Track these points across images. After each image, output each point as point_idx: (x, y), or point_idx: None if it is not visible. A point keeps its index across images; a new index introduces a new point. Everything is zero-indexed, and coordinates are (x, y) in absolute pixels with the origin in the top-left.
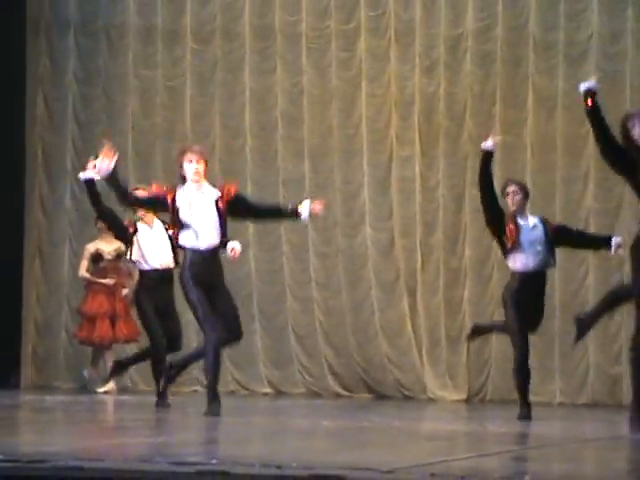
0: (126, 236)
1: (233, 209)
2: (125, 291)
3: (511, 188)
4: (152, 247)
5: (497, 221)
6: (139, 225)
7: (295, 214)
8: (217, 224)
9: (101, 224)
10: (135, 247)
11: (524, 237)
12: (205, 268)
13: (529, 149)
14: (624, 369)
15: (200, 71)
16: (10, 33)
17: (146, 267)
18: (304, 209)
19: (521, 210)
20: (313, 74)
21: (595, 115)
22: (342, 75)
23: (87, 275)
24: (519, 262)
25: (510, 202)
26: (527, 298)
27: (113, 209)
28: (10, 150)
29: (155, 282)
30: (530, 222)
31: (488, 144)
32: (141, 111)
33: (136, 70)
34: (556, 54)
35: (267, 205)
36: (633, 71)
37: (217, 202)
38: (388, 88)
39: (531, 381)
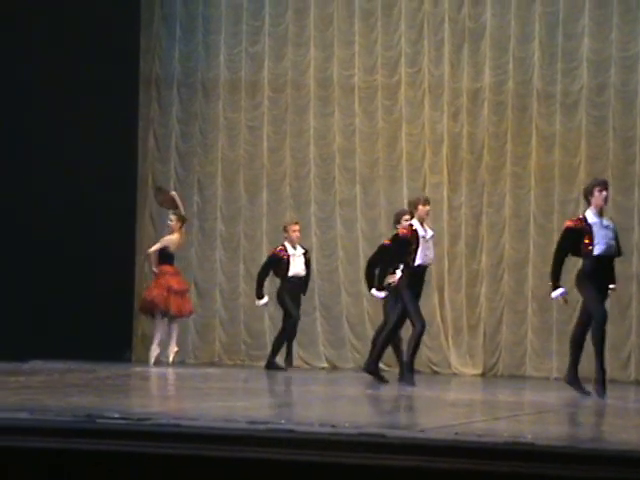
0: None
1: None
2: None
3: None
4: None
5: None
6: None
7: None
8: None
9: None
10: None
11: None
12: None
13: (533, 177)
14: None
15: (274, 114)
16: (127, 85)
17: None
18: None
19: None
20: (363, 117)
21: None
22: (386, 118)
23: (152, 255)
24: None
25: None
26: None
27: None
28: (127, 176)
29: None
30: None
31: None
32: (228, 145)
33: (225, 113)
34: (554, 103)
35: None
36: (615, 116)
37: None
38: (423, 129)
39: (533, 359)
